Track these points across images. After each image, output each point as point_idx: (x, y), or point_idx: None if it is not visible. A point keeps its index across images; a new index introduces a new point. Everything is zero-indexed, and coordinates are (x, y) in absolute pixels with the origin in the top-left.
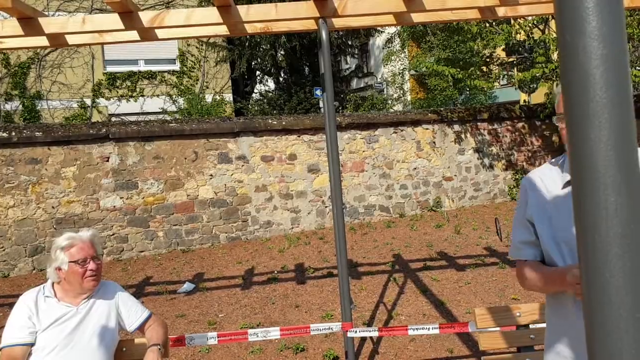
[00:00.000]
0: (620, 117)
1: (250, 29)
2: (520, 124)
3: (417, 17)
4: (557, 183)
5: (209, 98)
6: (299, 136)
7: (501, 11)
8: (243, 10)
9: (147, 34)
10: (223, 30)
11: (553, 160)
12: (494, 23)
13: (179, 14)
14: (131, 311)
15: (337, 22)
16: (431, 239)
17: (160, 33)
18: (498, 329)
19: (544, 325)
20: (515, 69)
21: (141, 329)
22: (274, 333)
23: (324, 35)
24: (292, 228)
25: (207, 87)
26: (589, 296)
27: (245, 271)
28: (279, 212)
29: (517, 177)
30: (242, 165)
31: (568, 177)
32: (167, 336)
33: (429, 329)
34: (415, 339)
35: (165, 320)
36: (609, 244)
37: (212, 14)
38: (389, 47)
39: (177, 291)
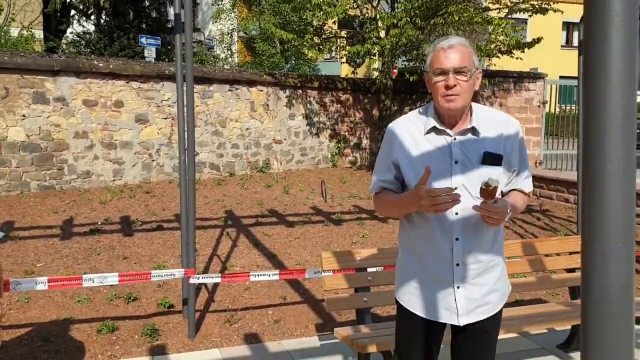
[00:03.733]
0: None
1: None
2: (345, 96)
3: None
4: (420, 130)
5: (14, 32)
6: (127, 82)
7: None
8: None
9: None
10: None
11: (412, 113)
12: None
13: None
14: None
15: None
16: (261, 198)
17: None
18: (330, 273)
19: (380, 268)
20: (346, 42)
21: None
22: (112, 279)
23: None
24: (114, 180)
25: (14, 20)
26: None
27: (63, 221)
28: (100, 162)
29: (339, 145)
30: (61, 108)
31: (431, 124)
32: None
33: (269, 275)
34: (250, 288)
35: None
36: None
37: None
38: (219, 5)
39: None
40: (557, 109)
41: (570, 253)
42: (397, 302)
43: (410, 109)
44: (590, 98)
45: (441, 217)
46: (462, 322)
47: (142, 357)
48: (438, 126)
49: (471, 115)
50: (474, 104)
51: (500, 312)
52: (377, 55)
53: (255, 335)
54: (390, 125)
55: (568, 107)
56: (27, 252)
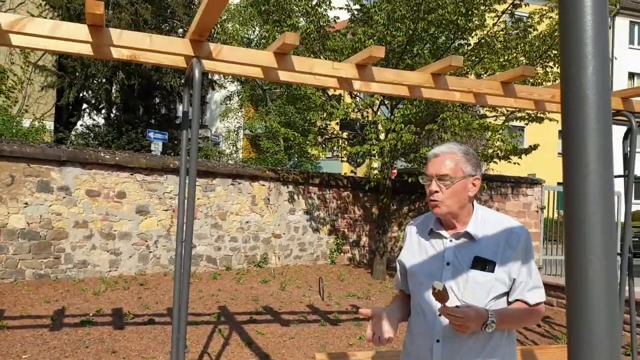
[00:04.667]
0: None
1: (116, 53)
2: (345, 193)
3: (283, 76)
4: (425, 231)
5: (26, 123)
6: (131, 174)
7: (357, 84)
8: (116, 34)
9: (2, 38)
10: (86, 49)
11: (428, 213)
12: (333, 98)
13: (44, 23)
14: None
15: (208, 65)
16: (257, 294)
17: (15, 39)
18: None
19: None
20: (346, 142)
21: None
22: None
23: (197, 73)
24: (110, 271)
25: (27, 112)
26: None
27: (54, 311)
28: (98, 253)
29: (338, 242)
30: (64, 197)
31: (429, 227)
32: None
33: None
34: None
35: None
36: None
37: (80, 31)
38: (227, 104)
39: None
40: (556, 215)
41: None
42: None
43: (410, 209)
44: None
45: (427, 315)
46: None
47: None
48: (434, 229)
49: (471, 218)
50: (479, 207)
51: None
52: (376, 156)
53: None
54: (410, 222)
55: None
56: (14, 343)
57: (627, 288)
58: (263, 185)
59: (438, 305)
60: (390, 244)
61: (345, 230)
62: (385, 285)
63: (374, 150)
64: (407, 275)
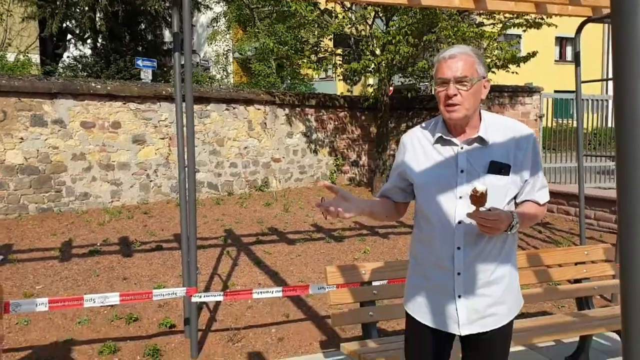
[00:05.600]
0: None
1: None
2: (342, 113)
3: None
4: (430, 140)
5: (11, 57)
6: (124, 103)
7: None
8: None
9: None
10: None
11: (424, 124)
12: (325, 13)
13: None
14: None
15: None
16: (261, 216)
17: None
18: (334, 288)
19: (384, 282)
20: (342, 60)
21: None
22: (113, 299)
23: None
24: (112, 202)
25: (10, 45)
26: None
27: (62, 243)
28: (98, 184)
29: (337, 162)
30: (59, 130)
31: (438, 134)
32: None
33: (272, 292)
34: (253, 306)
35: None
36: None
37: None
38: (214, 27)
39: None
40: (554, 123)
41: (576, 264)
42: (406, 312)
43: (407, 126)
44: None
45: (444, 224)
46: (464, 332)
47: None
48: (444, 136)
49: (480, 123)
50: (485, 112)
51: (509, 325)
52: (373, 72)
53: (259, 354)
54: (403, 135)
55: (565, 121)
56: (25, 275)
57: None
58: (259, 109)
59: (458, 212)
60: (389, 161)
61: (345, 150)
62: None
63: (370, 66)
64: (416, 186)
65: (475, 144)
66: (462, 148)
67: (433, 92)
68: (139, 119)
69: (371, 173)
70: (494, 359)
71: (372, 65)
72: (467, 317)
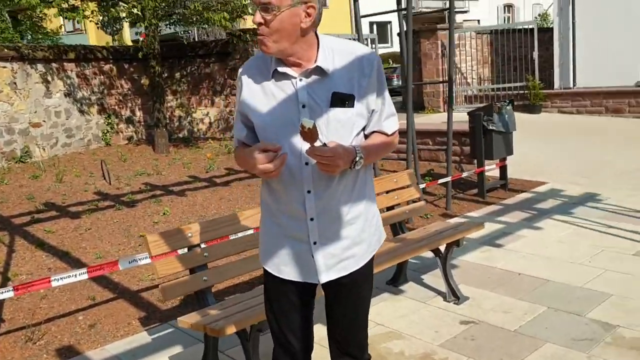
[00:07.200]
0: None
1: None
2: (107, 66)
3: None
4: (267, 74)
5: None
6: None
7: None
8: None
9: None
10: None
11: (260, 52)
12: None
13: None
14: None
15: None
16: (30, 191)
17: None
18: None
19: (215, 242)
20: (97, 6)
21: None
22: None
23: None
24: None
25: None
26: None
27: None
28: None
29: (110, 121)
30: None
31: (273, 67)
32: None
33: (75, 275)
34: (48, 296)
35: None
36: None
37: None
38: None
39: None
40: None
41: (387, 192)
42: (264, 270)
43: (181, 75)
44: None
45: (290, 167)
46: (323, 279)
47: None
48: (279, 69)
49: (318, 51)
50: (324, 37)
51: (369, 263)
52: (140, 19)
53: (69, 348)
54: (240, 69)
55: None
56: None
57: None
58: (4, 67)
59: (304, 152)
60: (168, 114)
61: (116, 107)
62: (173, 157)
63: (135, 10)
64: (256, 128)
65: (315, 76)
66: (300, 80)
67: (205, 38)
68: None
69: (149, 128)
70: (357, 299)
71: (138, 9)
72: (325, 264)
